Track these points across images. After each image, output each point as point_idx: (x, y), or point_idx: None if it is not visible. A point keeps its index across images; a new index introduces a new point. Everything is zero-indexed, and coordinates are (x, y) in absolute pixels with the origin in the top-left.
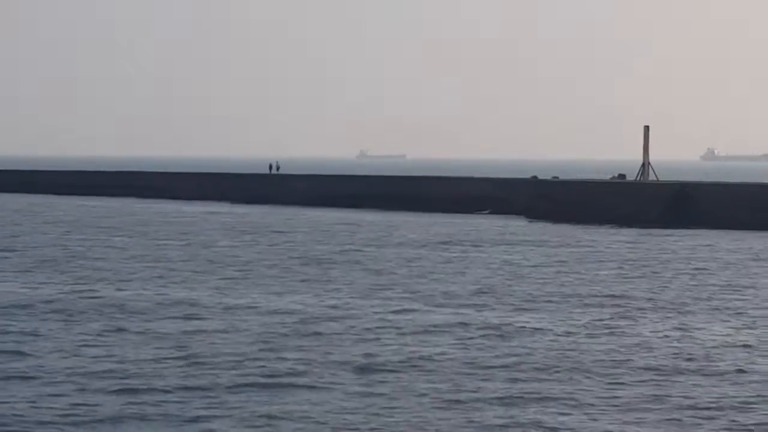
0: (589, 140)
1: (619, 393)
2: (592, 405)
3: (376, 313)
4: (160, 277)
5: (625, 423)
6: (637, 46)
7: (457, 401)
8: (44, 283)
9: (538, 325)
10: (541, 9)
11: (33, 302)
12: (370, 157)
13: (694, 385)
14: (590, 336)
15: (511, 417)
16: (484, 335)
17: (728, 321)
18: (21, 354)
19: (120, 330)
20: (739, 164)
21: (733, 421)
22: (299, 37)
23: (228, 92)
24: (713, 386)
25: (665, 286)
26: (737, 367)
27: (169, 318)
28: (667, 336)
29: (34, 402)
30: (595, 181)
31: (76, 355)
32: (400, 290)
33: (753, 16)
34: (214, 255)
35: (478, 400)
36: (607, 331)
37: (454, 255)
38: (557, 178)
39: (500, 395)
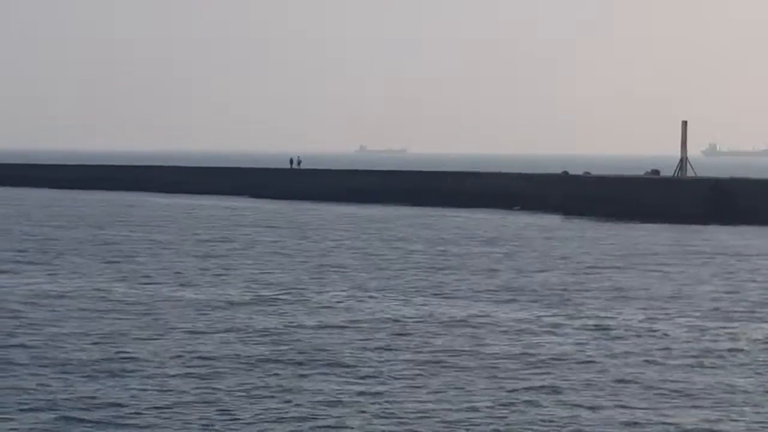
0: (590, 135)
1: None
2: None
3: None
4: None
5: None
6: (637, 41)
7: None
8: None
9: None
10: (544, 7)
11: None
12: (370, 152)
13: None
14: None
15: None
16: None
17: None
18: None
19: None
20: (741, 159)
21: None
22: (299, 33)
23: (227, 87)
24: None
25: None
26: None
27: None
28: None
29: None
30: (631, 177)
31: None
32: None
33: (748, 13)
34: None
35: None
36: None
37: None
38: (589, 173)
39: None
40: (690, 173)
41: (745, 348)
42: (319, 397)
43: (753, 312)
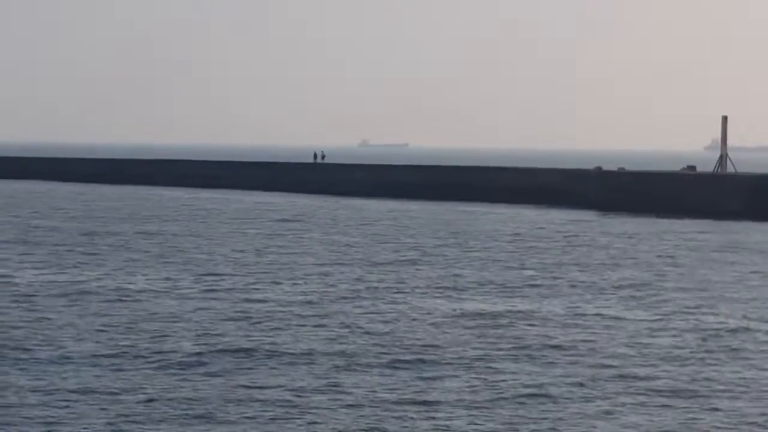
0: (591, 130)
1: None
2: None
3: None
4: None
5: None
6: (640, 34)
7: None
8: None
9: None
10: (547, 5)
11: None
12: (372, 146)
13: None
14: None
15: None
16: None
17: None
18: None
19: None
20: (743, 155)
21: None
22: (300, 28)
23: (227, 82)
24: None
25: None
26: None
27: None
28: None
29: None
30: (670, 172)
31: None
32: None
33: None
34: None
35: None
36: None
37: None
38: (623, 169)
39: None
40: (730, 169)
41: None
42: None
43: None
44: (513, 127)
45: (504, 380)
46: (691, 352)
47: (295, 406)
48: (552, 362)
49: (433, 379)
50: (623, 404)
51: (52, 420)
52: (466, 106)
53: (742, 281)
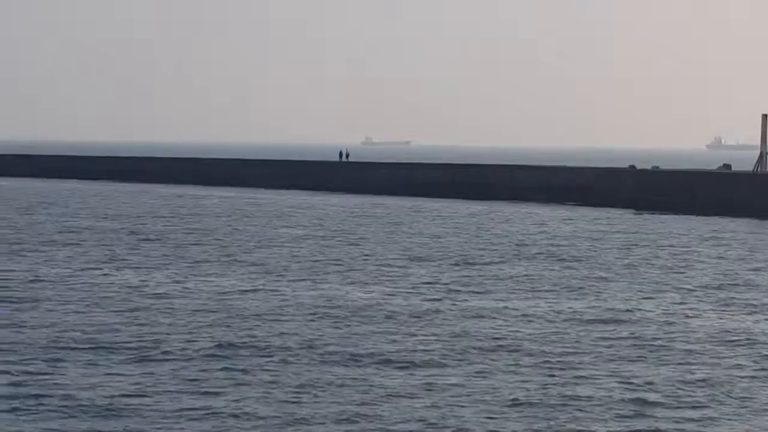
0: (590, 128)
1: None
2: None
3: None
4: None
5: None
6: (642, 33)
7: None
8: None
9: None
10: (546, 5)
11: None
12: (375, 144)
13: None
14: None
15: None
16: None
17: None
18: None
19: None
20: (745, 153)
21: None
22: (302, 26)
23: (230, 81)
24: None
25: None
26: None
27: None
28: None
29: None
30: (707, 171)
31: None
32: None
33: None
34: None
35: None
36: None
37: None
38: (657, 167)
39: None
40: None
41: None
42: None
43: None
44: (513, 126)
45: (652, 382)
46: None
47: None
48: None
49: (578, 380)
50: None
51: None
52: (466, 105)
53: None
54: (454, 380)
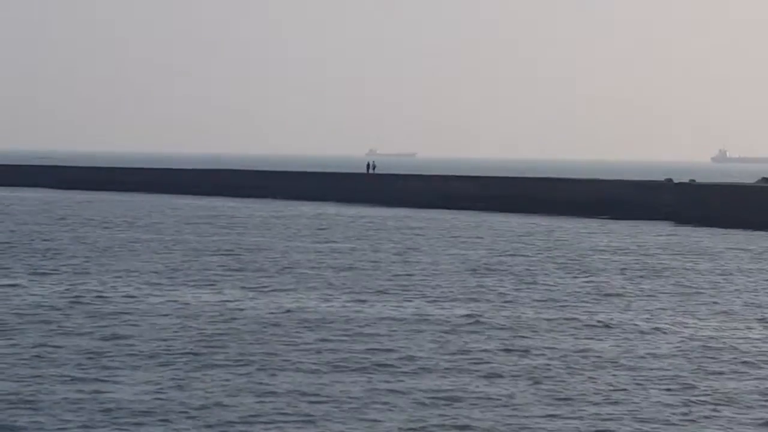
0: (594, 141)
1: None
2: None
3: None
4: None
5: None
6: (643, 46)
7: None
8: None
9: None
10: (543, 8)
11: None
12: (379, 156)
13: None
14: None
15: None
16: None
17: None
18: None
19: None
20: (750, 166)
21: None
22: (304, 35)
23: (233, 90)
24: None
25: None
26: None
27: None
28: None
29: None
30: (749, 185)
31: None
32: None
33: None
34: None
35: None
36: None
37: None
38: (694, 181)
39: None
40: None
41: None
42: None
43: None
44: (517, 138)
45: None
46: None
47: None
48: None
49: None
50: None
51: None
52: (472, 117)
53: None
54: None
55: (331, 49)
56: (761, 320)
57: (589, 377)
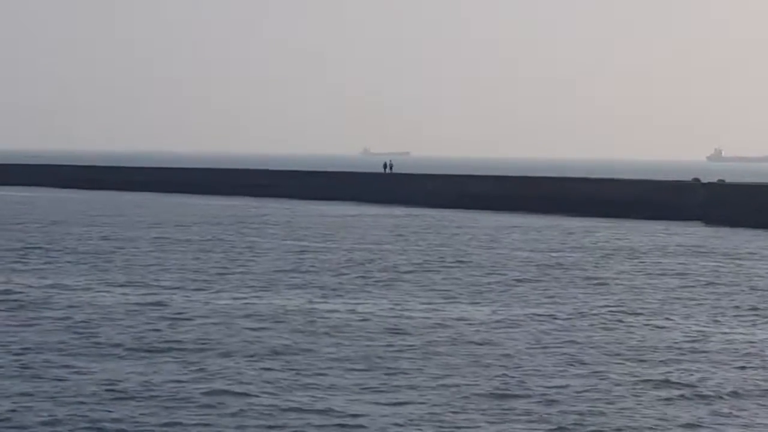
0: (589, 140)
1: None
2: None
3: None
4: None
5: None
6: (638, 44)
7: None
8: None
9: None
10: (540, 9)
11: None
12: (373, 155)
13: None
14: None
15: None
16: None
17: None
18: None
19: None
20: (746, 166)
21: None
22: (300, 34)
23: (228, 89)
24: None
25: None
26: None
27: None
28: None
29: None
30: None
31: None
32: None
33: (757, 15)
34: None
35: None
36: None
37: None
38: (723, 180)
39: None
40: None
41: None
42: None
43: None
44: (512, 137)
45: None
46: None
47: None
48: None
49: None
50: None
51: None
52: (465, 116)
53: None
54: None
55: (328, 47)
56: None
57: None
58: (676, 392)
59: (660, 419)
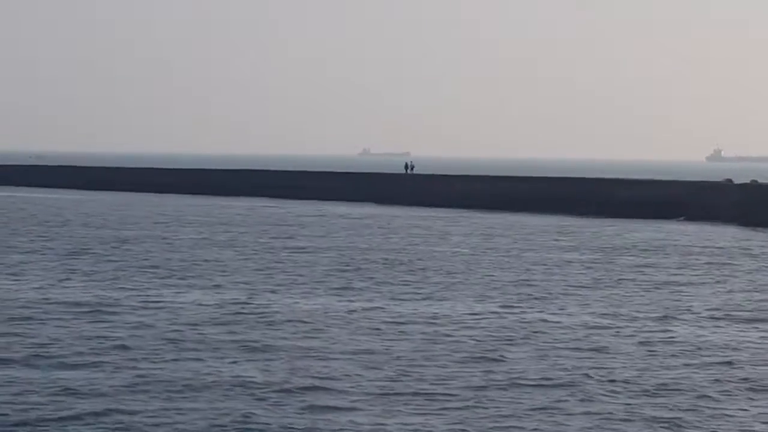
0: (589, 140)
1: None
2: None
3: None
4: None
5: None
6: (639, 46)
7: None
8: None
9: None
10: (540, 9)
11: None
12: (373, 155)
13: None
14: None
15: None
16: None
17: None
18: None
19: None
20: (745, 165)
21: None
22: (299, 35)
23: (227, 90)
24: None
25: None
26: None
27: None
28: None
29: None
30: None
31: None
32: None
33: (756, 15)
34: None
35: None
36: None
37: None
38: (756, 181)
39: None
40: None
41: None
42: None
43: None
44: (511, 137)
45: None
46: None
47: None
48: None
49: None
50: None
51: None
52: (465, 117)
53: None
54: None
55: (326, 48)
56: None
57: None
58: None
59: None
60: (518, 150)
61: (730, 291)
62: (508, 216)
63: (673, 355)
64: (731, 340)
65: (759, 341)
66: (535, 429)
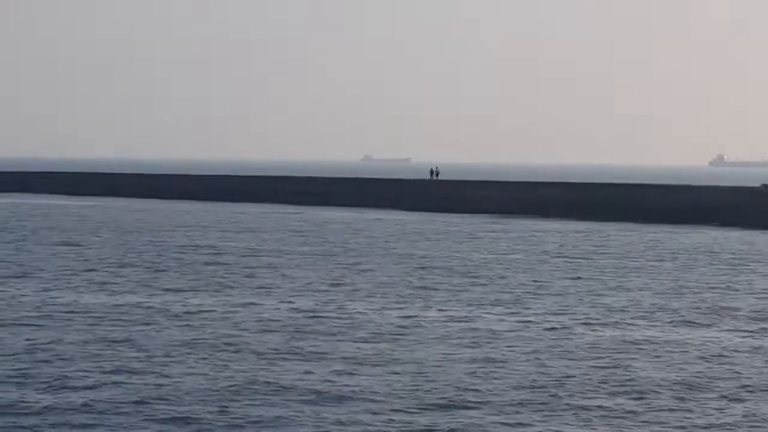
0: (590, 145)
1: None
2: None
3: None
4: None
5: None
6: (641, 50)
7: None
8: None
9: None
10: (540, 9)
11: None
12: (374, 161)
13: None
14: None
15: None
16: None
17: None
18: None
19: None
20: (748, 170)
21: None
22: (301, 39)
23: (228, 93)
24: None
25: None
26: None
27: None
28: None
29: None
30: None
31: None
32: None
33: (757, 17)
34: None
35: None
36: None
37: None
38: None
39: None
40: None
41: None
42: None
43: None
44: (511, 143)
45: None
46: None
47: None
48: None
49: None
50: None
51: None
52: (465, 122)
53: None
54: None
55: (328, 52)
56: None
57: None
58: None
59: None
60: (519, 156)
61: None
62: (551, 223)
63: None
64: None
65: None
66: None
